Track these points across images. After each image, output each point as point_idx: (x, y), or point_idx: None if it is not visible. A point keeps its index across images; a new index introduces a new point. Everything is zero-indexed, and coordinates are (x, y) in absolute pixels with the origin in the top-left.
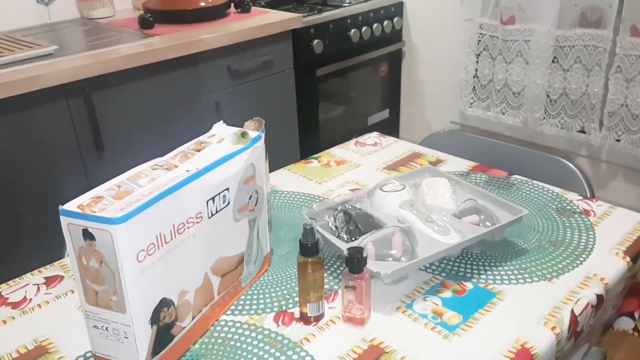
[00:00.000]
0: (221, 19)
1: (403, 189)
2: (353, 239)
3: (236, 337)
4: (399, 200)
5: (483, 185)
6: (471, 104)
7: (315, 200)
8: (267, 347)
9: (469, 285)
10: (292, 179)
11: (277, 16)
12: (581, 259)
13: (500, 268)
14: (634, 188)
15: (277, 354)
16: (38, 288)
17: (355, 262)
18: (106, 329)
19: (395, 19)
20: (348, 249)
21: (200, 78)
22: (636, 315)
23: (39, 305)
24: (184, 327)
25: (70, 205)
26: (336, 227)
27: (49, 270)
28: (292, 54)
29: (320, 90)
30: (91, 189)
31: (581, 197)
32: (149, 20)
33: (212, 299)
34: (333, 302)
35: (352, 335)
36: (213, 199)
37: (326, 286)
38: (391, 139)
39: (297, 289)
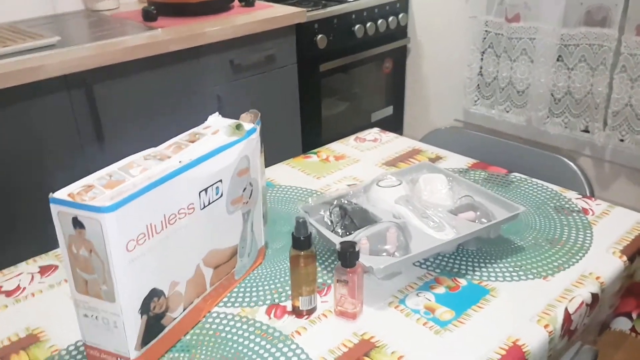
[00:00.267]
0: (225, 12)
1: (400, 184)
2: (348, 233)
3: (227, 329)
4: (395, 195)
5: (482, 183)
6: (475, 101)
7: (312, 194)
8: (258, 340)
9: (462, 282)
10: (291, 174)
11: (281, 10)
12: (577, 257)
13: (495, 265)
14: (637, 189)
15: (268, 346)
16: (32, 277)
17: (347, 256)
18: (96, 318)
19: (401, 15)
20: (340, 243)
21: (203, 71)
22: (634, 316)
23: (33, 294)
24: (175, 318)
25: (61, 194)
26: (331, 222)
27: (43, 260)
28: (296, 48)
29: (324, 86)
30: None
31: (580, 196)
32: (152, 13)
33: (204, 291)
34: (326, 296)
35: (344, 329)
36: (205, 190)
37: (319, 280)
38: (391, 135)
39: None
